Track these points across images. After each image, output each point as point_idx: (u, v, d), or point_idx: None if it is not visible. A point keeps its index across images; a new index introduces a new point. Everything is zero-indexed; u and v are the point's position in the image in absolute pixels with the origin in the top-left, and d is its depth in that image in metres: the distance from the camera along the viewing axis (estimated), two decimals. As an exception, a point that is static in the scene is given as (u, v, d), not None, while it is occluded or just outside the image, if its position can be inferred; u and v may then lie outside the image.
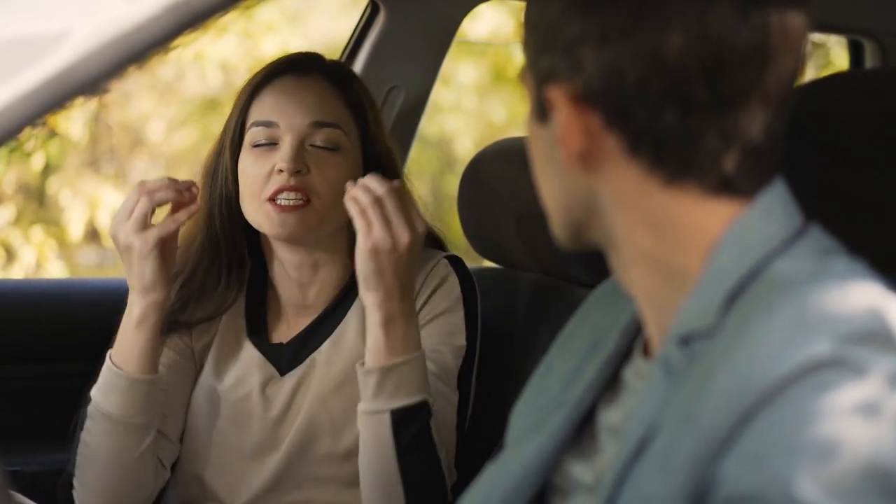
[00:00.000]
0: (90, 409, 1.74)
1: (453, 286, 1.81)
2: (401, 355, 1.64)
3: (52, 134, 5.09)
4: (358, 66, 2.32)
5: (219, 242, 1.80)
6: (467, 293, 1.82)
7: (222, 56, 5.39)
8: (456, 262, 1.83)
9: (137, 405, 1.71)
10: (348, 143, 1.76)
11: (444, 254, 1.84)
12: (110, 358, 1.72)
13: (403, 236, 1.61)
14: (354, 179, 1.68)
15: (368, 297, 1.63)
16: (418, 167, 5.08)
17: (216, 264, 1.81)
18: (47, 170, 5.32)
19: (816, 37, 4.62)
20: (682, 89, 0.94)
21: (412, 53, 2.32)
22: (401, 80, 2.32)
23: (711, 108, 0.94)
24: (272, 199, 1.73)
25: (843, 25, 2.60)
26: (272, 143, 1.74)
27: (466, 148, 5.84)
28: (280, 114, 1.74)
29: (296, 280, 1.82)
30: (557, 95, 0.98)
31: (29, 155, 5.16)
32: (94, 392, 1.73)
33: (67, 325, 1.77)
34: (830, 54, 4.78)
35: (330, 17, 5.52)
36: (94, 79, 0.83)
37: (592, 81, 0.96)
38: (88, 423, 1.74)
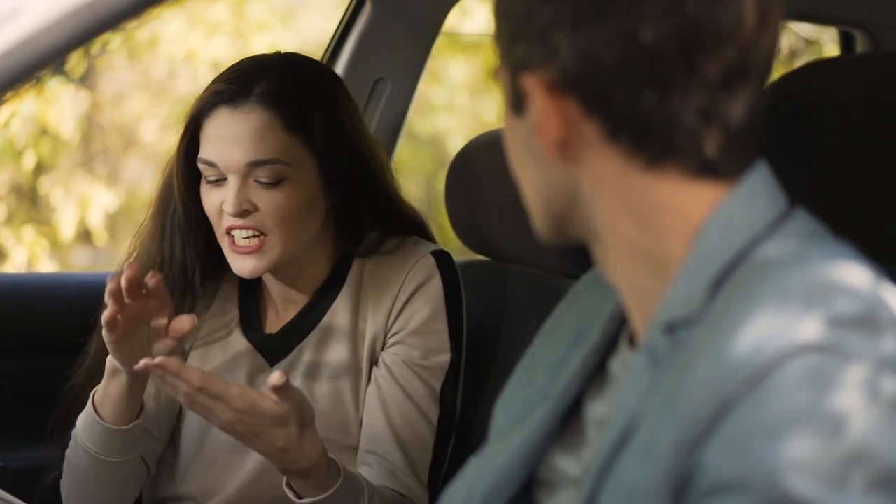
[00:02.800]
0: (73, 433, 1.73)
1: (435, 291, 1.77)
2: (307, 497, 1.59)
3: (44, 132, 5.09)
4: (344, 58, 2.31)
5: (169, 267, 1.78)
6: (451, 298, 1.78)
7: (214, 55, 5.38)
8: (441, 260, 1.79)
9: (115, 447, 1.70)
10: (293, 172, 1.70)
11: (431, 248, 1.80)
12: (93, 397, 1.70)
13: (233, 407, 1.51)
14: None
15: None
16: (411, 167, 5.06)
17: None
18: (39, 169, 5.31)
19: (809, 33, 4.62)
20: (659, 71, 0.92)
21: (399, 45, 2.31)
22: (387, 72, 2.31)
23: (690, 89, 0.93)
24: (229, 233, 1.71)
25: (834, 16, 2.60)
26: (221, 179, 1.72)
27: (459, 146, 5.82)
28: (218, 155, 1.70)
29: (281, 278, 1.81)
30: (533, 84, 0.96)
31: (20, 154, 5.15)
32: (78, 422, 1.72)
33: (49, 321, 1.75)
34: (823, 51, 4.78)
35: (322, 16, 5.51)
36: (51, 54, 0.81)
37: (568, 67, 0.94)
38: (71, 445, 1.73)
